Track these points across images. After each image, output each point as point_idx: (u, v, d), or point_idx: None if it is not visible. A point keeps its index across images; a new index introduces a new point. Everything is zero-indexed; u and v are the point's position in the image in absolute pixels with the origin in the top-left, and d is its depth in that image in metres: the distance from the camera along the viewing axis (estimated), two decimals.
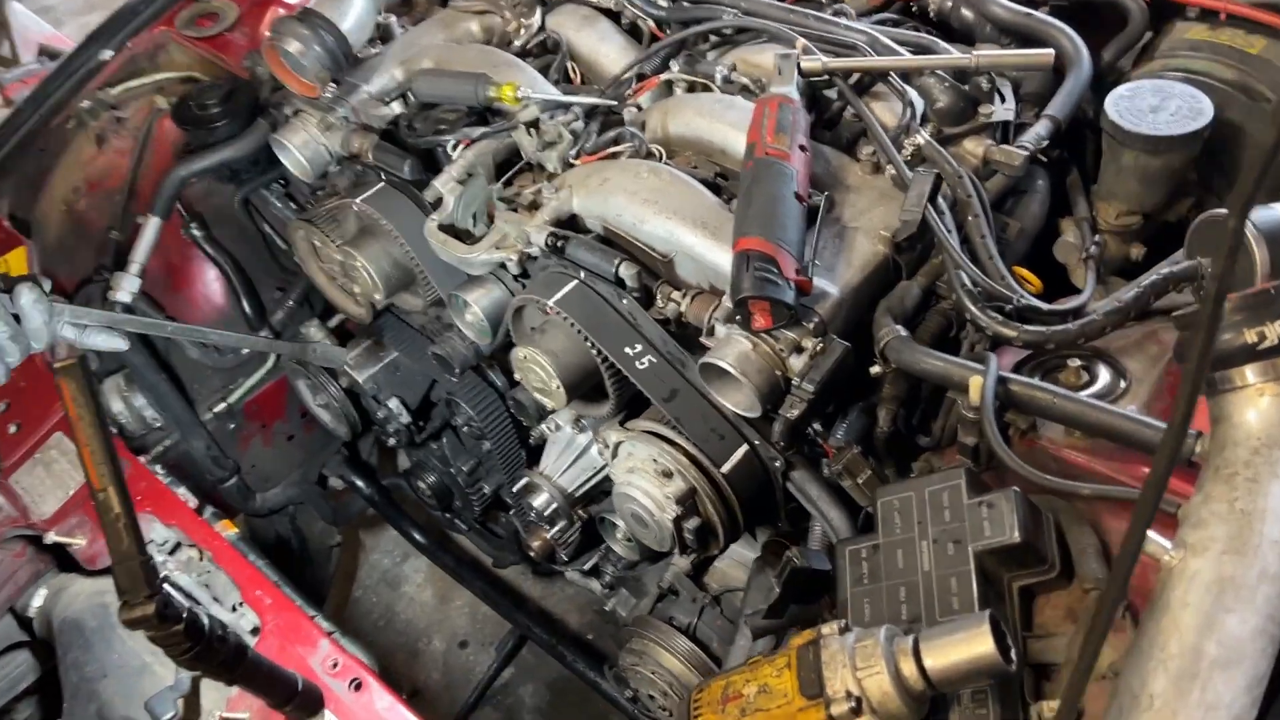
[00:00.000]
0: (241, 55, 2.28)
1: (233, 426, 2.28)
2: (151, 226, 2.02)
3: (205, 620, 1.12)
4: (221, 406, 2.24)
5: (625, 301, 1.51)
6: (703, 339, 1.45)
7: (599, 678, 2.36)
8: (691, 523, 1.48)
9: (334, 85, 1.82)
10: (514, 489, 1.88)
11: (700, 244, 1.47)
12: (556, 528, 1.88)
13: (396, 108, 1.86)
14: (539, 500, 1.84)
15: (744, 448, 1.47)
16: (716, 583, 1.85)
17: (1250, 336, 1.03)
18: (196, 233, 2.16)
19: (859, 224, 1.47)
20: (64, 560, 1.77)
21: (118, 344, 1.52)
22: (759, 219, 1.34)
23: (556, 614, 2.69)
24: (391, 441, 2.15)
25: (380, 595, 2.83)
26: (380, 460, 2.76)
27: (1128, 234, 1.55)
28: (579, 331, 1.50)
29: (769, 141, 1.43)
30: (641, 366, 1.49)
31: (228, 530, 1.61)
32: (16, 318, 1.38)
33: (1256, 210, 1.24)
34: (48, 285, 1.41)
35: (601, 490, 1.90)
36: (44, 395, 1.79)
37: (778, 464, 1.46)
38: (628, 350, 1.49)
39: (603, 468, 1.86)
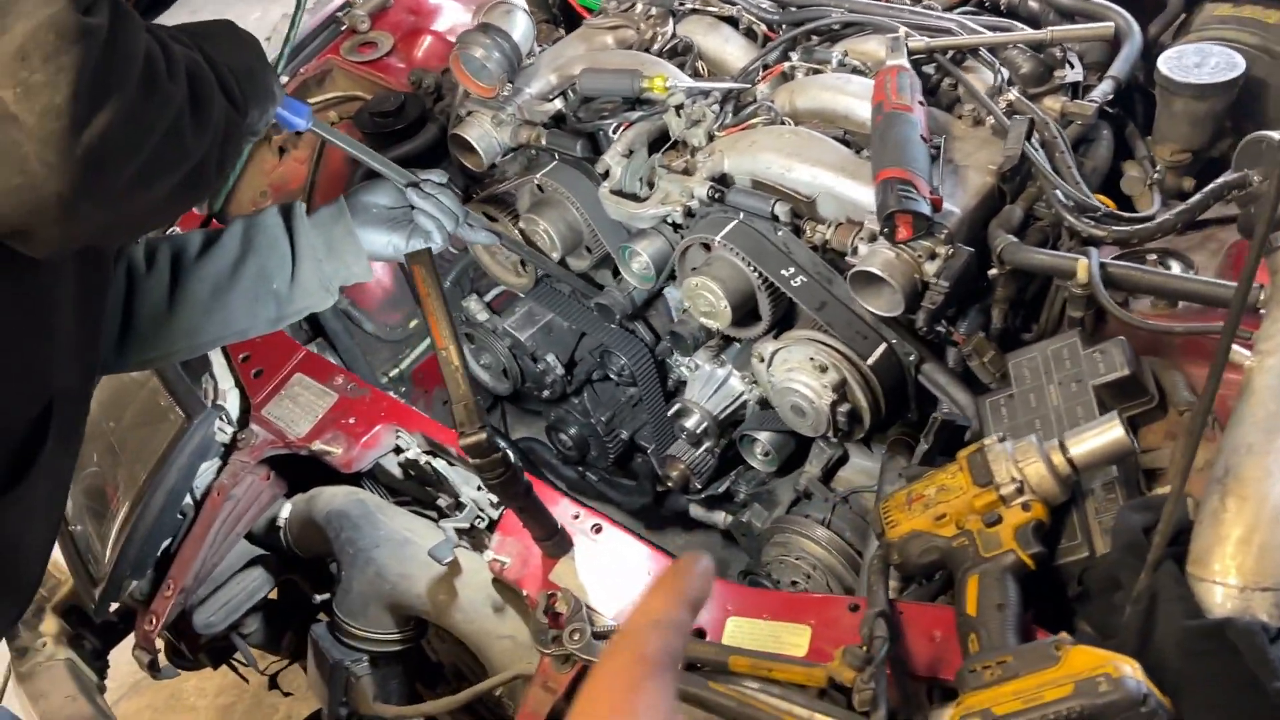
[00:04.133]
0: (398, 75, 2.68)
1: (403, 390, 2.62)
2: None
3: (512, 455, 1.45)
4: (394, 372, 2.60)
5: (780, 234, 1.87)
6: (848, 258, 1.80)
7: None
8: (844, 408, 1.82)
9: (510, 85, 2.20)
10: (669, 414, 2.21)
11: (840, 184, 1.83)
12: (702, 448, 2.22)
13: (558, 104, 2.24)
14: (691, 421, 2.18)
15: (884, 345, 1.81)
16: (843, 487, 2.18)
17: None
18: None
19: (969, 162, 1.84)
20: (293, 488, 2.12)
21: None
22: (895, 154, 1.70)
23: None
24: (545, 394, 2.49)
25: None
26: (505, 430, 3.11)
27: (1180, 169, 1.91)
28: (743, 259, 1.86)
29: (894, 99, 1.80)
30: (796, 285, 1.84)
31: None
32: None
33: None
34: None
35: (739, 418, 2.24)
36: (279, 345, 2.14)
37: (911, 358, 1.81)
38: (784, 272, 1.85)
39: (740, 395, 2.20)
